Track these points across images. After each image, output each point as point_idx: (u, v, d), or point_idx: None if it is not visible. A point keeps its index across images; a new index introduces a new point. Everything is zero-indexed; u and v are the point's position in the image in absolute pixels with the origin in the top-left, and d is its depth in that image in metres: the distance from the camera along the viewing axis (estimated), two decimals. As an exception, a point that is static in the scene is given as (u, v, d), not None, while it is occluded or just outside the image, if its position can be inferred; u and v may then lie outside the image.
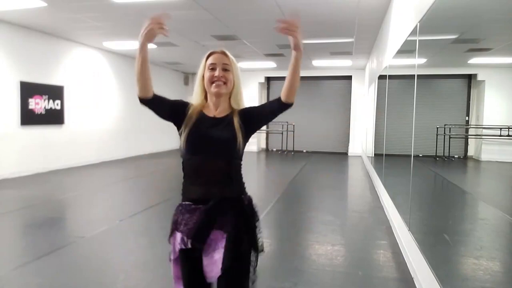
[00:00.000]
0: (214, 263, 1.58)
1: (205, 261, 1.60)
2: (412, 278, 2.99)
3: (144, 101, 1.68)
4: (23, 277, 3.01)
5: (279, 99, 1.65)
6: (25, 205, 5.30)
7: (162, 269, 3.14)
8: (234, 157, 1.65)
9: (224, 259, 1.56)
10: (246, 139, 1.68)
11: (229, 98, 1.72)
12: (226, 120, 1.67)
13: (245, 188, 1.73)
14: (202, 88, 1.69)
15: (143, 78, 1.60)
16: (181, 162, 1.69)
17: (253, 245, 1.66)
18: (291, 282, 2.91)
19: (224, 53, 1.67)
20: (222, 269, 1.55)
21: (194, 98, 1.72)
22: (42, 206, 5.23)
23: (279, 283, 2.91)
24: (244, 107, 1.75)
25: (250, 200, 1.71)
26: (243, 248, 1.60)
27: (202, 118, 1.68)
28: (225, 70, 1.65)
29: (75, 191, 6.32)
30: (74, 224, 4.62)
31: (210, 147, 1.62)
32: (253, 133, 1.73)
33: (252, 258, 1.65)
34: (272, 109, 1.70)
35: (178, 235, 1.67)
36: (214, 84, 1.64)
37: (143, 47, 1.58)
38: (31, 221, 4.57)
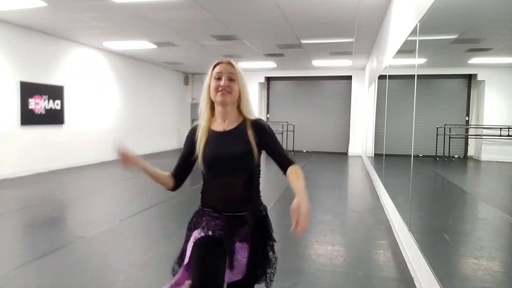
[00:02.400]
0: (235, 267, 1.63)
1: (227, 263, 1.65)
2: (412, 278, 2.99)
3: (174, 188, 1.80)
4: (23, 277, 3.01)
5: (284, 169, 1.66)
6: (25, 205, 5.30)
7: (162, 269, 3.14)
8: (253, 169, 1.69)
9: (248, 267, 1.65)
10: (260, 149, 1.70)
11: (238, 107, 1.72)
12: (237, 132, 1.68)
13: (260, 197, 1.81)
14: (209, 98, 1.70)
15: (159, 183, 1.77)
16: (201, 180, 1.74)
17: (272, 252, 1.76)
18: (291, 282, 2.91)
19: (230, 64, 1.69)
20: (245, 275, 1.66)
21: (200, 108, 1.74)
22: (42, 206, 5.23)
23: (279, 283, 2.91)
24: (255, 116, 1.74)
25: (266, 209, 1.80)
26: (263, 258, 1.71)
27: (212, 136, 1.69)
28: (231, 80, 1.67)
29: (75, 191, 6.32)
30: (74, 224, 4.62)
31: (228, 165, 1.65)
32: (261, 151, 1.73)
33: (271, 266, 1.75)
34: (277, 159, 1.70)
35: (196, 232, 1.66)
36: (219, 93, 1.65)
37: (141, 172, 1.74)
38: (31, 221, 4.57)
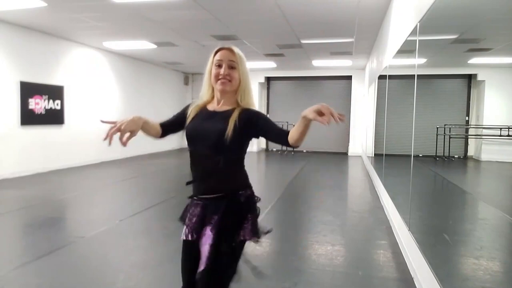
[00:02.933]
0: (203, 256, 1.62)
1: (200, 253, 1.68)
2: (412, 278, 2.99)
3: (160, 137, 1.85)
4: (23, 277, 3.01)
5: (286, 137, 1.59)
6: (25, 205, 5.30)
7: (162, 269, 3.14)
8: (224, 149, 1.63)
9: (208, 256, 1.59)
10: (242, 137, 1.66)
11: (236, 95, 1.72)
12: (224, 114, 1.68)
13: (245, 185, 1.73)
14: (210, 83, 1.73)
15: (149, 135, 1.81)
16: None
17: (245, 238, 1.68)
18: (291, 282, 2.91)
19: (231, 50, 1.69)
20: (204, 263, 1.59)
21: (202, 92, 1.78)
22: (42, 206, 5.23)
23: (279, 283, 2.91)
24: (253, 105, 1.74)
25: (248, 196, 1.71)
26: (223, 248, 1.61)
27: (201, 112, 1.74)
28: (231, 67, 1.67)
29: (75, 191, 6.32)
30: (74, 224, 4.62)
31: (203, 139, 1.66)
32: (251, 137, 1.71)
33: (234, 255, 1.68)
34: (275, 138, 1.65)
35: (184, 228, 1.74)
36: (219, 81, 1.67)
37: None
38: (31, 221, 4.57)
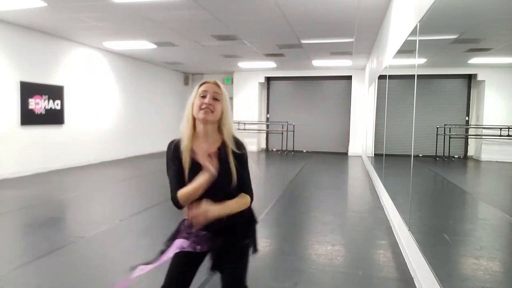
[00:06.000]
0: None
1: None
2: (412, 278, 2.99)
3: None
4: (23, 277, 3.01)
5: (239, 193, 1.76)
6: (25, 205, 5.30)
7: (162, 269, 3.14)
8: (233, 190, 1.74)
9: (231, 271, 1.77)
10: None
11: (218, 128, 1.78)
12: (219, 156, 1.71)
13: (251, 216, 1.89)
14: (191, 114, 1.76)
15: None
16: None
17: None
18: (291, 282, 2.91)
19: (216, 84, 1.77)
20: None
21: (183, 124, 1.78)
22: (42, 206, 5.23)
23: (279, 283, 2.91)
24: (234, 134, 1.80)
25: (246, 221, 1.85)
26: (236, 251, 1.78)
27: (194, 165, 1.72)
28: (215, 99, 1.74)
29: (75, 191, 6.32)
30: (74, 224, 4.62)
31: (210, 188, 1.67)
32: None
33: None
34: (238, 183, 1.76)
35: (184, 241, 1.74)
36: (202, 111, 1.71)
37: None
38: (31, 221, 4.57)
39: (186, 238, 1.73)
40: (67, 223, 4.69)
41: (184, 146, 1.74)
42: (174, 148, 1.78)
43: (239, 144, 1.78)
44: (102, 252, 3.60)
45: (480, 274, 2.48)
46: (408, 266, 3.20)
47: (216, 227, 1.71)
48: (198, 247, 1.71)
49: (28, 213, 4.90)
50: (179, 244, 1.70)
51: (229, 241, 1.76)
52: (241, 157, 1.77)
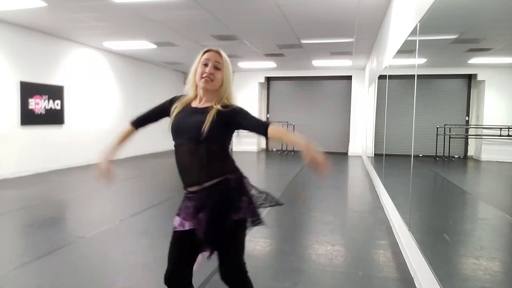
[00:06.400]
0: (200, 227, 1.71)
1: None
2: (412, 278, 2.99)
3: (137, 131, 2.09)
4: (23, 277, 3.01)
5: (265, 130, 1.67)
6: (25, 205, 5.30)
7: (162, 269, 3.13)
8: (204, 141, 1.70)
9: (206, 235, 1.70)
10: (222, 128, 1.73)
11: (218, 95, 1.81)
12: (204, 109, 1.76)
13: (232, 169, 1.80)
14: (194, 80, 1.83)
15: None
16: None
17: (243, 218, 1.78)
18: (291, 282, 2.91)
19: (218, 52, 1.81)
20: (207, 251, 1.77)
21: (186, 89, 1.88)
22: (42, 206, 5.23)
23: (279, 283, 2.91)
24: (234, 103, 1.81)
25: (238, 179, 1.79)
26: (225, 228, 1.71)
27: (185, 109, 1.82)
28: (216, 68, 1.78)
29: (75, 191, 6.32)
30: (74, 224, 4.62)
31: (184, 133, 1.74)
32: (231, 128, 1.80)
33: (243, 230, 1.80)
34: (252, 128, 1.75)
35: (177, 219, 1.79)
36: (203, 80, 1.77)
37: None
38: (31, 221, 4.57)
39: (178, 215, 1.78)
40: (67, 223, 4.69)
41: (182, 101, 1.85)
42: (171, 100, 1.91)
43: (227, 106, 1.76)
44: (102, 252, 3.60)
45: (480, 274, 2.48)
46: (408, 266, 3.20)
47: (200, 200, 1.72)
48: (187, 224, 1.73)
49: (28, 213, 4.90)
50: (173, 222, 1.78)
51: (216, 216, 1.69)
52: (232, 112, 1.74)
